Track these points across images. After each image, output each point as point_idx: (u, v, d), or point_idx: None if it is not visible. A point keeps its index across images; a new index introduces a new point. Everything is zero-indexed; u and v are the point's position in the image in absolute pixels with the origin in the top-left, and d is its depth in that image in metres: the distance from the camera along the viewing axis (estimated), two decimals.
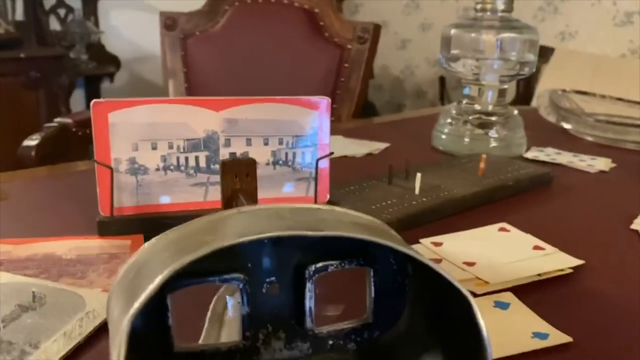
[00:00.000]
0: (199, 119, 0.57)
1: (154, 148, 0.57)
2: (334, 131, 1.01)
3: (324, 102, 0.60)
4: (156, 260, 0.27)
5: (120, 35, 3.06)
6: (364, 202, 0.63)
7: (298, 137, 0.60)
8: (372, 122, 1.26)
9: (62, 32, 2.81)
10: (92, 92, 2.99)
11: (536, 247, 0.57)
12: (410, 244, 0.59)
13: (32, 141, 1.44)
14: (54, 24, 2.80)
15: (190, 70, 1.75)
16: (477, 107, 0.91)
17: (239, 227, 0.28)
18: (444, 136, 0.93)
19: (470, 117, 0.90)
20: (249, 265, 0.31)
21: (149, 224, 0.57)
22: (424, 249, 0.56)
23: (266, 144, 0.60)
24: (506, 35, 0.86)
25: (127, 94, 3.08)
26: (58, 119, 1.52)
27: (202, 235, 0.28)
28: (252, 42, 1.73)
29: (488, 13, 0.88)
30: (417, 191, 0.66)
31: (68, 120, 1.52)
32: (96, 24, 2.93)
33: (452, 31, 0.89)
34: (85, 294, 0.46)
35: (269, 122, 0.59)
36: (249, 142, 0.59)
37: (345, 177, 0.71)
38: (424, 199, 0.65)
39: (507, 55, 0.87)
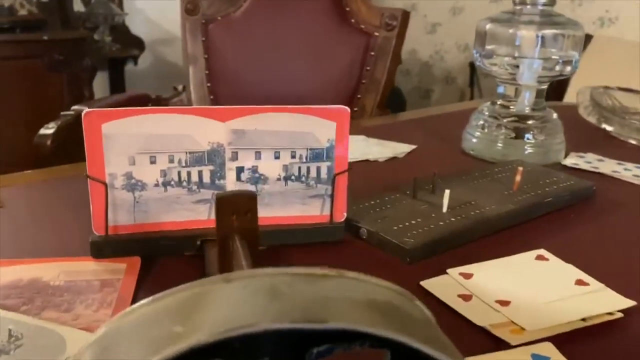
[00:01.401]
0: (203, 130, 0.51)
1: (153, 162, 0.51)
2: (356, 129, 0.95)
3: (344, 112, 0.54)
4: (120, 351, 0.22)
5: (145, 16, 3.01)
6: (385, 221, 0.57)
7: (313, 150, 0.54)
8: (397, 119, 1.19)
9: (86, 13, 2.77)
10: (116, 74, 2.96)
11: (579, 282, 0.50)
12: (436, 274, 0.54)
13: (48, 130, 1.41)
14: (78, 5, 2.76)
15: (212, 57, 1.69)
16: (513, 109, 0.84)
17: (221, 312, 0.22)
18: (475, 140, 0.86)
19: (505, 120, 0.83)
20: (236, 346, 0.25)
21: (147, 244, 0.52)
22: (452, 282, 0.50)
23: (277, 157, 0.54)
24: (547, 31, 0.78)
25: (151, 76, 3.05)
26: (75, 107, 1.49)
27: (175, 321, 0.22)
28: (274, 27, 1.66)
29: (528, 7, 0.80)
30: (444, 209, 0.60)
31: (85, 108, 1.48)
32: (120, 5, 2.89)
33: (488, 26, 0.82)
34: (67, 334, 0.41)
35: (280, 133, 0.53)
36: (258, 156, 0.53)
37: (366, 186, 0.65)
38: (453, 219, 0.58)
39: (548, 53, 0.79)
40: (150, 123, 0.50)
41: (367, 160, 0.82)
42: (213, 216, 0.53)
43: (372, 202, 0.62)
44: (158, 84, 2.59)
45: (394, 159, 0.84)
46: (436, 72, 3.32)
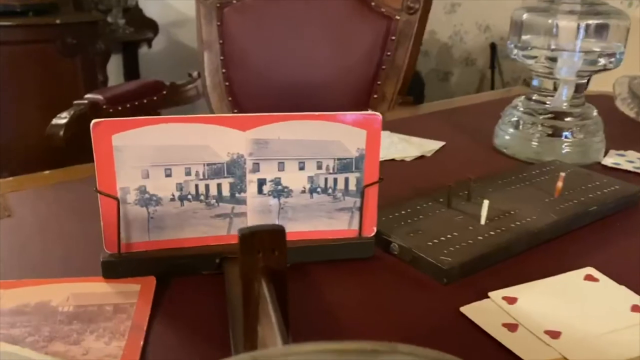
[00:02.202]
0: (222, 139, 0.47)
1: (168, 175, 0.47)
2: None
3: (375, 119, 0.49)
4: None
5: None
6: (418, 236, 0.53)
7: (341, 160, 0.50)
8: (421, 111, 1.14)
9: None
10: (130, 58, 2.92)
11: (635, 309, 0.46)
12: (476, 296, 0.49)
13: (60, 120, 1.38)
14: None
15: (227, 42, 1.64)
16: (549, 104, 0.78)
17: None
18: (508, 137, 0.81)
19: (541, 118, 0.78)
20: None
21: (163, 263, 0.48)
22: (495, 308, 0.46)
23: (302, 168, 0.49)
24: (590, 21, 0.72)
25: (165, 60, 3.01)
26: (88, 95, 1.45)
27: None
28: (292, 11, 1.61)
29: None
30: (483, 221, 0.55)
31: (98, 97, 1.45)
32: None
33: (525, 15, 0.76)
34: None
35: (305, 142, 0.49)
36: (281, 167, 0.49)
37: (394, 192, 0.60)
38: (492, 233, 0.54)
39: (590, 45, 0.73)
40: (164, 133, 0.46)
41: (392, 160, 0.78)
42: (233, 231, 0.49)
43: (403, 212, 0.57)
44: (173, 67, 2.55)
45: (421, 158, 0.79)
46: (455, 53, 3.24)
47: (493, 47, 2.94)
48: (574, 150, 0.77)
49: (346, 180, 0.50)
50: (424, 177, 0.72)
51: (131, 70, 2.92)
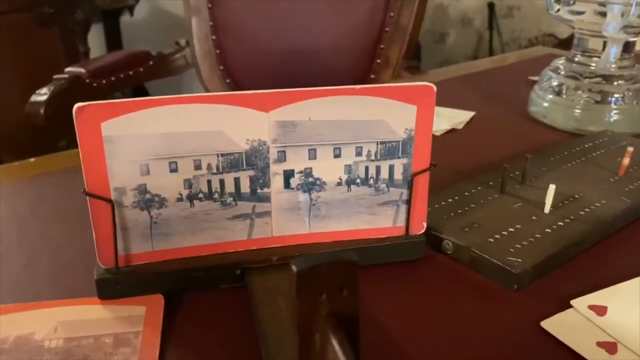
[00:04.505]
0: (239, 123, 0.38)
1: (174, 170, 0.38)
2: None
3: (428, 91, 0.40)
4: None
5: None
6: (474, 230, 0.44)
7: (385, 144, 0.40)
8: (438, 77, 1.04)
9: None
10: (111, 27, 2.78)
11: None
12: (554, 306, 0.39)
13: (40, 96, 1.27)
14: None
15: (216, 6, 1.52)
16: (593, 66, 0.69)
17: None
18: (546, 104, 0.72)
19: (587, 81, 0.68)
20: None
21: (171, 278, 0.39)
22: (583, 322, 0.37)
23: (338, 155, 0.40)
24: None
25: (149, 28, 2.86)
26: (69, 69, 1.34)
27: None
28: None
29: None
30: (547, 209, 0.47)
31: (81, 70, 1.34)
32: None
33: None
34: None
35: (342, 123, 0.39)
36: (312, 154, 0.40)
37: (432, 175, 0.51)
38: (560, 223, 0.45)
39: None
40: (166, 118, 0.36)
41: None
42: (255, 235, 0.40)
43: (450, 200, 0.49)
44: (158, 36, 2.41)
45: (452, 131, 0.70)
46: (451, 13, 3.11)
47: (491, 6, 2.82)
48: (623, 118, 0.68)
49: (391, 168, 0.41)
50: (460, 154, 0.63)
51: (113, 40, 2.78)
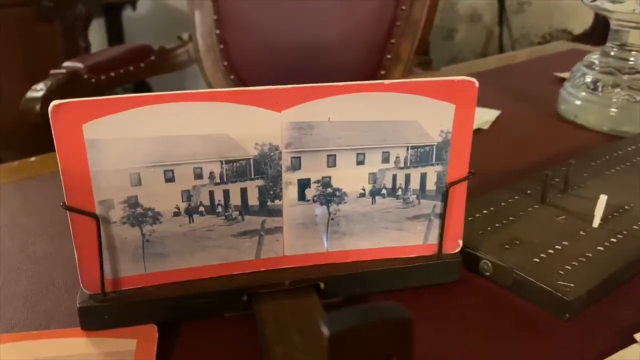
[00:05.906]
0: (248, 125, 0.32)
1: (170, 179, 0.32)
2: None
3: (470, 87, 0.34)
4: None
5: None
6: (516, 248, 0.38)
7: (417, 148, 0.35)
8: (455, 73, 0.98)
9: None
10: (113, 22, 2.72)
11: None
12: (614, 340, 0.34)
13: (36, 92, 1.22)
14: None
15: None
16: (632, 61, 0.63)
17: None
18: (579, 102, 0.66)
19: (625, 77, 0.63)
20: None
21: (167, 305, 0.34)
22: None
23: (361, 162, 0.34)
24: None
25: (151, 22, 2.81)
26: (67, 64, 1.29)
27: None
28: None
29: None
30: (596, 223, 0.41)
31: (78, 65, 1.29)
32: None
33: None
34: None
35: (367, 125, 0.34)
36: (331, 161, 0.34)
37: None
38: (613, 240, 0.39)
39: None
40: (162, 118, 0.31)
41: None
42: (264, 255, 0.35)
43: (485, 212, 0.43)
44: (160, 30, 2.36)
45: (477, 131, 0.64)
46: (460, 8, 3.05)
47: (501, 1, 2.76)
48: None
49: (423, 177, 0.35)
50: (488, 157, 0.57)
51: (115, 35, 2.72)
